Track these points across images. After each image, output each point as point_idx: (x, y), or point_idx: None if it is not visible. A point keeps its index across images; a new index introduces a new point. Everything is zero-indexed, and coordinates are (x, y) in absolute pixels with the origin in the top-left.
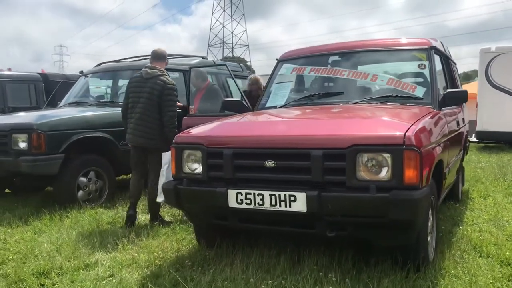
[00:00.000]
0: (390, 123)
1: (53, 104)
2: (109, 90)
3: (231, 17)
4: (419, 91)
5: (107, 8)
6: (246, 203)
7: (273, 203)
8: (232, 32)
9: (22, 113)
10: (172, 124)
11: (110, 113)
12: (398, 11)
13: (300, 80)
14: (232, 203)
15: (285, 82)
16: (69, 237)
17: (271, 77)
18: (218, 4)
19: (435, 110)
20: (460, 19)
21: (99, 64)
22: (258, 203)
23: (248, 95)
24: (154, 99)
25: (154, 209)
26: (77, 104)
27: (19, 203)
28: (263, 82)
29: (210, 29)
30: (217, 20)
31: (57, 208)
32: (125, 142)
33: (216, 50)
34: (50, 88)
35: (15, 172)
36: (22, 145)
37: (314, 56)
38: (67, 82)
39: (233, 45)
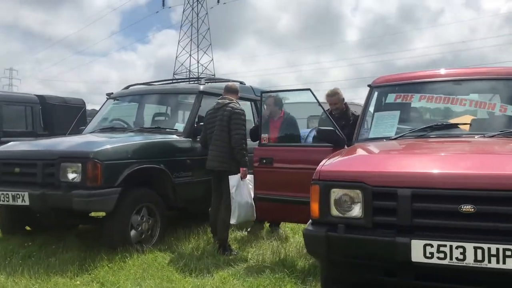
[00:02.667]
0: None
1: (51, 130)
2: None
3: (198, 47)
4: None
5: (63, 34)
6: (439, 258)
7: (479, 258)
8: (198, 61)
9: (67, 138)
10: (240, 146)
11: (165, 141)
12: (353, 49)
13: (403, 108)
14: (417, 257)
15: (390, 111)
16: None
17: (366, 105)
18: (185, 33)
19: None
20: (411, 58)
21: (127, 87)
22: (457, 258)
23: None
24: (224, 125)
25: (223, 234)
26: (112, 129)
27: (57, 245)
28: None
29: (176, 57)
30: (184, 49)
31: (106, 252)
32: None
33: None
34: (47, 111)
35: (63, 209)
36: (73, 176)
37: (417, 83)
38: (66, 105)
39: (199, 74)
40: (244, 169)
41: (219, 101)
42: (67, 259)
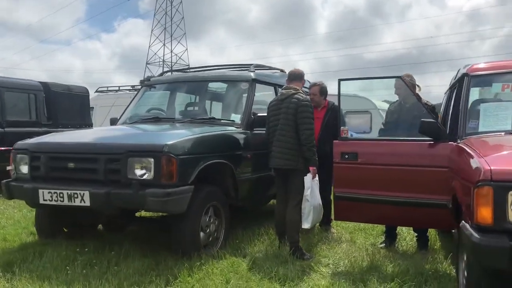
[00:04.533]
0: None
1: (55, 119)
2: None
3: (171, 36)
4: None
5: (26, 22)
6: None
7: None
8: (171, 51)
9: (125, 129)
10: (310, 143)
11: (231, 134)
12: (321, 42)
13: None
14: None
15: (499, 102)
16: None
17: (465, 95)
18: (159, 21)
19: None
20: (379, 52)
21: (162, 74)
22: None
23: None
24: (290, 118)
25: (295, 236)
26: (157, 120)
27: (115, 250)
28: None
29: (149, 46)
30: (157, 37)
31: (176, 258)
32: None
33: (154, 69)
34: (51, 100)
35: (133, 209)
36: (143, 172)
37: None
38: (70, 93)
39: (172, 64)
40: (314, 168)
41: (283, 91)
42: (139, 268)
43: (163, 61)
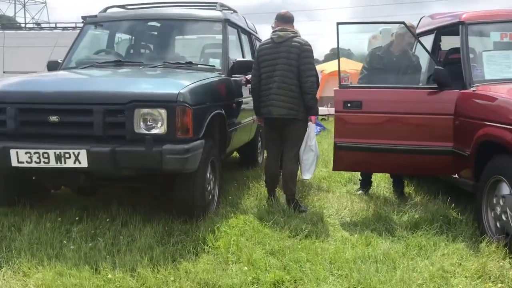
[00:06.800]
0: None
1: None
2: None
3: None
4: None
5: None
6: None
7: None
8: None
9: (132, 72)
10: (314, 91)
11: (222, 81)
12: None
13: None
14: None
15: (501, 51)
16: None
17: (465, 44)
18: None
19: None
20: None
21: (105, 9)
22: None
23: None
24: (293, 64)
25: (293, 188)
26: (119, 64)
27: (105, 217)
28: None
29: None
30: None
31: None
32: (260, 117)
33: (4, 6)
34: None
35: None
36: (151, 126)
37: None
38: None
39: (26, 0)
40: (315, 117)
41: (280, 33)
42: (153, 236)
43: None
